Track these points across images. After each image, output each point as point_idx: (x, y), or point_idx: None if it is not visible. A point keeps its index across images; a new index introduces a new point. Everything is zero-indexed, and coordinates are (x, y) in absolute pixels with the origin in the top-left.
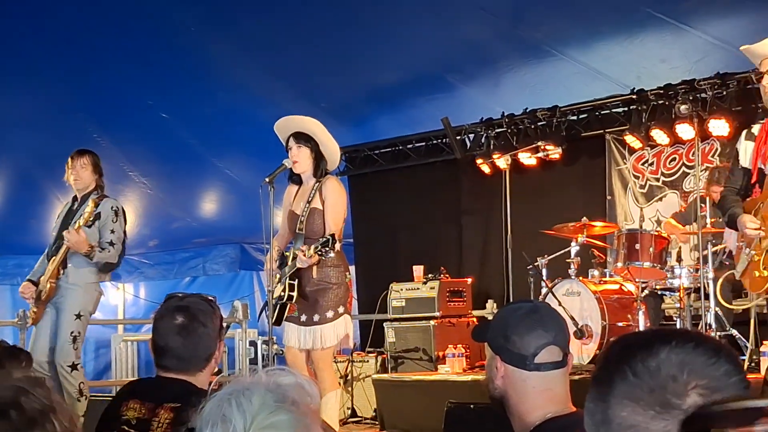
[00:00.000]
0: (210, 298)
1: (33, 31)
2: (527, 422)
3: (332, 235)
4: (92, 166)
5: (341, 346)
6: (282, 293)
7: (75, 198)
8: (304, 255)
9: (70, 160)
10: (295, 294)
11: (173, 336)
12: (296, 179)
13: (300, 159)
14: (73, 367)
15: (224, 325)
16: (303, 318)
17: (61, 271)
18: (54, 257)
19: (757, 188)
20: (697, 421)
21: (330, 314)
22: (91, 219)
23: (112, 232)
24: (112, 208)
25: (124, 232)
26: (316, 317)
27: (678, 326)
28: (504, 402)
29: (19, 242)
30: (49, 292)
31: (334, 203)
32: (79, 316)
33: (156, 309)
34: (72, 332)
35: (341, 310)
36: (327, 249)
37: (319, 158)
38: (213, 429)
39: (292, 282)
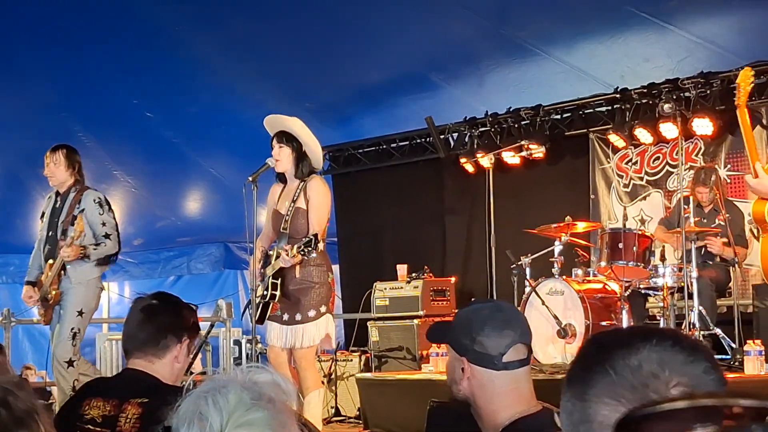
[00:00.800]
0: (188, 304)
1: (18, 33)
2: (497, 422)
3: (315, 235)
4: (66, 162)
5: (323, 346)
6: (265, 292)
7: (57, 193)
8: (287, 254)
9: (46, 155)
10: (278, 293)
11: (135, 317)
12: (282, 178)
13: (281, 158)
14: (69, 363)
15: (199, 332)
16: (285, 317)
17: (62, 274)
18: (51, 261)
19: None
20: (631, 423)
21: (312, 313)
22: (81, 233)
23: (104, 224)
24: (94, 200)
25: (114, 219)
26: (298, 316)
27: (662, 325)
28: (471, 403)
29: (4, 241)
30: (55, 298)
31: (319, 203)
32: (80, 313)
33: None
34: (72, 329)
35: (323, 309)
36: (310, 249)
37: (301, 158)
38: (190, 427)
39: (275, 281)
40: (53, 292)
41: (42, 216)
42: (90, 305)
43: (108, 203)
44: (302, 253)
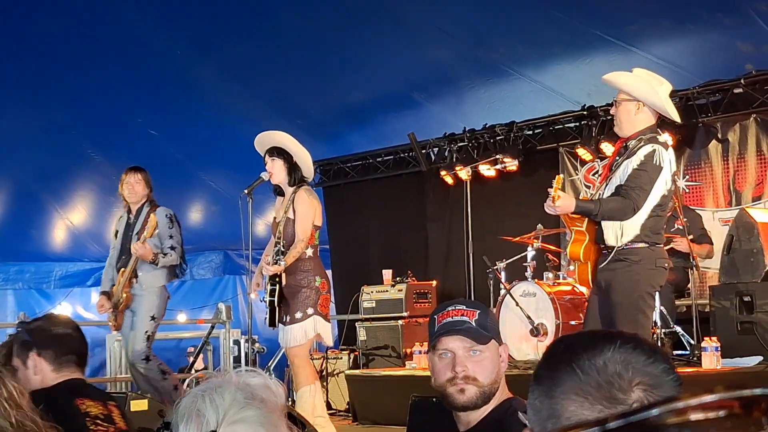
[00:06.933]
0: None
1: (32, 56)
2: (491, 406)
3: (283, 244)
4: (144, 182)
5: (317, 342)
6: (267, 298)
7: (129, 210)
8: (268, 264)
9: (124, 175)
10: (275, 298)
11: (77, 335)
12: (280, 191)
13: (274, 171)
14: (146, 359)
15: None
16: (284, 319)
17: (134, 281)
18: (124, 269)
19: None
20: None
21: (299, 315)
22: (154, 229)
23: (171, 237)
24: (166, 215)
25: (181, 235)
26: (287, 318)
27: None
28: (489, 395)
29: (20, 250)
30: (126, 301)
31: (303, 213)
32: (153, 318)
33: None
34: (146, 332)
35: (310, 311)
36: (278, 258)
37: (293, 168)
38: (188, 423)
39: (273, 287)
40: (124, 296)
41: (115, 234)
42: (161, 311)
43: (177, 220)
44: (276, 263)
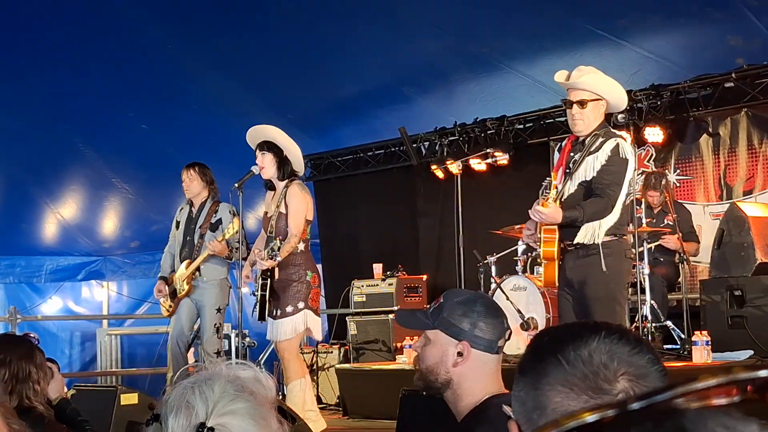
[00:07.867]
0: None
1: (21, 50)
2: (472, 402)
3: (279, 239)
4: (199, 177)
5: (307, 336)
6: (257, 292)
7: (191, 204)
8: (262, 259)
9: (182, 172)
10: (266, 292)
11: None
12: (270, 185)
13: (265, 164)
14: (218, 354)
15: None
16: (274, 312)
17: (196, 273)
18: (188, 260)
19: None
20: None
21: (289, 309)
22: (236, 231)
23: (236, 233)
24: (230, 212)
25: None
26: (278, 312)
27: None
28: (448, 388)
29: (10, 244)
30: (187, 291)
31: (296, 209)
32: (219, 310)
33: None
34: (215, 324)
35: (301, 305)
36: (275, 252)
37: (283, 163)
38: (177, 414)
39: (264, 281)
40: (186, 287)
41: (177, 225)
42: (225, 302)
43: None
44: (271, 257)
